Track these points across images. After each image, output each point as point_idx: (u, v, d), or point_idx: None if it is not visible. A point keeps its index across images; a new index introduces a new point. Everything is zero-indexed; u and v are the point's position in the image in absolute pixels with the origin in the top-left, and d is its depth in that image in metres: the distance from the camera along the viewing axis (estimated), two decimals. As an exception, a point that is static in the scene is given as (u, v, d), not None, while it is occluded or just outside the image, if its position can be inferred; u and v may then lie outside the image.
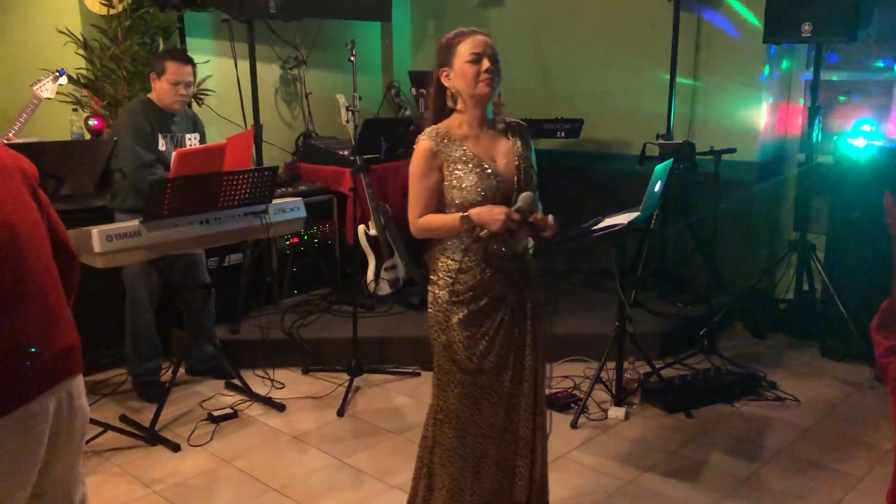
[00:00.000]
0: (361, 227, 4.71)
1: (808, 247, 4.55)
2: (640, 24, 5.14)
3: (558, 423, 3.59)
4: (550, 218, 2.35)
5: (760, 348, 4.58)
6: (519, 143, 2.40)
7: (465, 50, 2.30)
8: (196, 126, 4.05)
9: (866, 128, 4.30)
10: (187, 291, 3.95)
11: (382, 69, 6.25)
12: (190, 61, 3.86)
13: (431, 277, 2.41)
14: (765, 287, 4.93)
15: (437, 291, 2.40)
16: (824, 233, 4.54)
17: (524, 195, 2.27)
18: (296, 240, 4.91)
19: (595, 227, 3.48)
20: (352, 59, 4.53)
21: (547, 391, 3.86)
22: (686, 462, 3.35)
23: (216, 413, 3.76)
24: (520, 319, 2.43)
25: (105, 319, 4.04)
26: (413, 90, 5.78)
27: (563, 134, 5.16)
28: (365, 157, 4.52)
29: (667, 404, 3.79)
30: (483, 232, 2.25)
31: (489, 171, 2.31)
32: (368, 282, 4.75)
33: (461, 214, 2.26)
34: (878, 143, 4.19)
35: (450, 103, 2.37)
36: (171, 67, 3.75)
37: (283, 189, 4.75)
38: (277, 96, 5.58)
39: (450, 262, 2.37)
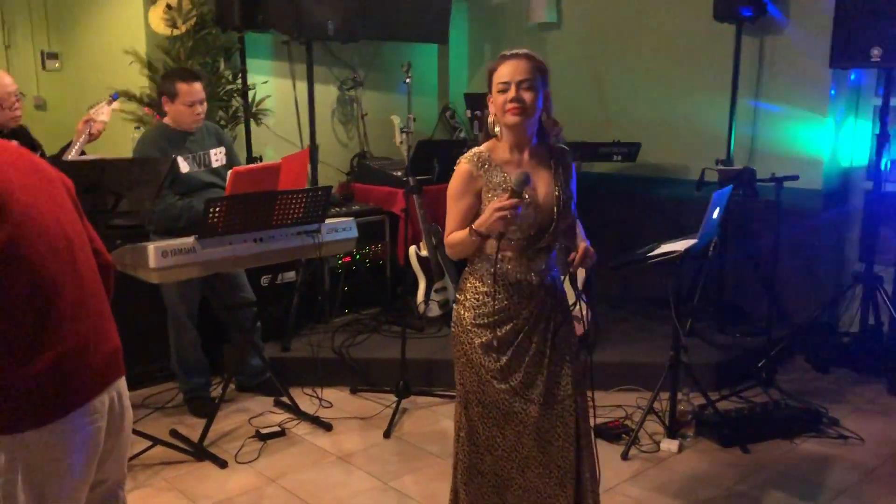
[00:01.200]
0: (413, 248, 4.71)
1: (875, 279, 4.37)
2: (700, 45, 5.05)
3: (608, 453, 3.50)
4: (582, 248, 2.36)
5: (822, 383, 4.41)
6: (560, 171, 2.38)
7: (496, 78, 2.30)
8: (221, 139, 4.02)
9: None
10: (235, 309, 3.99)
11: (438, 91, 6.27)
12: (198, 77, 3.82)
13: (458, 297, 2.44)
14: (828, 320, 4.76)
15: (462, 312, 2.41)
16: (892, 265, 4.36)
17: (516, 174, 2.24)
18: (347, 259, 4.93)
19: (651, 254, 3.41)
20: (407, 80, 4.56)
21: (598, 420, 3.81)
22: (741, 500, 3.22)
23: (264, 431, 3.77)
24: (550, 348, 2.40)
25: (156, 333, 4.10)
26: (468, 112, 5.77)
27: (619, 158, 5.08)
28: (418, 178, 4.53)
29: (722, 438, 3.67)
30: (499, 256, 2.27)
31: (528, 200, 2.27)
32: (418, 303, 4.74)
33: (469, 227, 2.28)
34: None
35: (491, 130, 2.37)
36: (183, 88, 3.72)
37: (337, 209, 4.79)
38: (334, 117, 5.64)
39: (478, 284, 2.38)
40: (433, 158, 4.95)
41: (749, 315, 4.88)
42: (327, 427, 3.86)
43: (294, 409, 3.99)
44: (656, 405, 3.75)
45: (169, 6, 4.54)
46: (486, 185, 2.31)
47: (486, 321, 2.35)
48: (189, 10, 4.58)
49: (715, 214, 3.45)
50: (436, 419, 3.99)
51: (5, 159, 1.70)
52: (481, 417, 2.40)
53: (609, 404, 4.00)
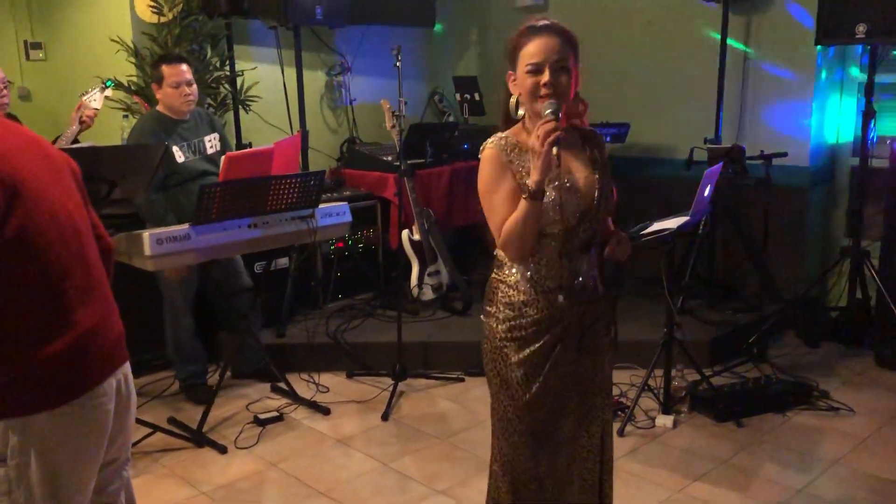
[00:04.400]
0: (405, 233, 4.72)
1: (862, 253, 4.43)
2: (688, 24, 5.07)
3: (605, 430, 3.54)
4: (617, 236, 2.11)
5: (812, 357, 4.47)
6: (597, 154, 2.13)
7: (525, 57, 2.00)
8: (214, 125, 4.02)
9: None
10: (233, 295, 4.00)
11: (427, 75, 6.26)
12: (183, 60, 3.83)
13: (488, 308, 2.15)
14: (817, 295, 4.82)
15: (493, 325, 2.13)
16: (878, 239, 4.42)
17: (545, 104, 1.97)
18: (340, 245, 4.94)
19: (643, 232, 3.44)
20: (398, 64, 4.55)
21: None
22: (737, 472, 3.28)
23: (262, 416, 3.78)
24: (585, 357, 2.17)
25: (151, 321, 4.09)
26: (457, 96, 5.78)
27: (609, 138, 5.10)
28: (409, 161, 4.53)
29: (716, 413, 3.72)
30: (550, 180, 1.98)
31: (568, 185, 2.03)
32: (412, 287, 4.75)
33: (523, 196, 1.96)
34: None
35: (513, 113, 2.10)
36: (168, 70, 3.74)
37: (329, 194, 4.78)
38: (322, 103, 5.63)
39: (512, 293, 2.09)
40: (425, 142, 4.96)
41: (740, 291, 4.93)
42: (325, 411, 3.88)
43: (291, 395, 4.00)
44: (651, 382, 3.80)
45: (155, -7, 4.51)
46: (518, 173, 2.03)
47: (522, 334, 2.09)
48: (175, -3, 4.55)
49: (707, 192, 3.48)
50: (433, 401, 4.02)
51: (17, 144, 1.71)
52: (516, 448, 2.16)
53: (604, 382, 4.04)
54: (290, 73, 5.02)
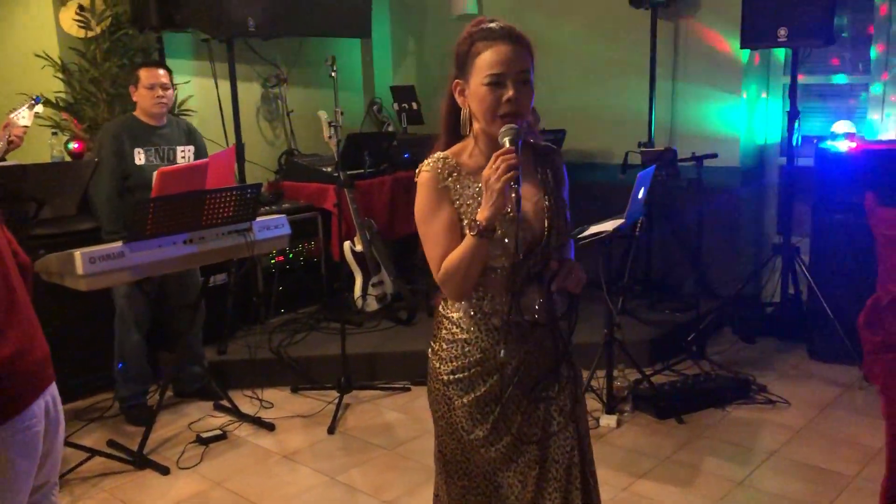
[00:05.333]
0: (347, 244, 4.69)
1: (793, 250, 4.57)
2: (619, 31, 5.18)
3: (550, 433, 3.58)
4: (566, 263, 1.84)
5: (749, 352, 4.59)
6: (549, 176, 1.89)
7: (484, 64, 1.75)
8: (192, 138, 4.05)
9: (844, 129, 4.34)
10: (173, 311, 3.93)
11: (364, 86, 6.25)
12: (161, 65, 3.94)
13: (433, 345, 1.94)
14: (751, 291, 4.95)
15: (437, 364, 1.91)
16: (808, 235, 4.57)
17: (504, 129, 1.74)
18: (281, 258, 4.89)
19: (580, 236, 3.49)
20: (332, 74, 4.54)
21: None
22: (680, 468, 3.34)
23: (205, 435, 3.71)
24: (540, 403, 1.90)
25: (89, 344, 3.99)
26: (395, 105, 5.78)
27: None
28: (349, 172, 4.52)
29: (658, 411, 3.79)
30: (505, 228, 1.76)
31: (512, 215, 1.74)
32: (356, 298, 4.73)
33: (469, 231, 1.73)
34: (856, 145, 4.23)
35: (464, 129, 1.84)
36: (143, 73, 3.83)
37: (267, 207, 4.73)
38: (259, 115, 5.58)
39: (455, 329, 1.88)
40: (363, 151, 4.95)
41: (678, 291, 5.04)
42: (270, 427, 3.83)
43: (235, 412, 3.94)
44: (594, 383, 3.85)
45: (81, 7, 4.41)
46: (457, 200, 1.81)
47: (466, 374, 1.87)
48: (103, 11, 4.46)
49: (640, 194, 3.56)
50: (379, 412, 4.00)
51: None
52: (465, 492, 1.93)
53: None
54: (225, 85, 4.97)
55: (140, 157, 3.82)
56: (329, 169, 4.95)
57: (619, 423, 3.73)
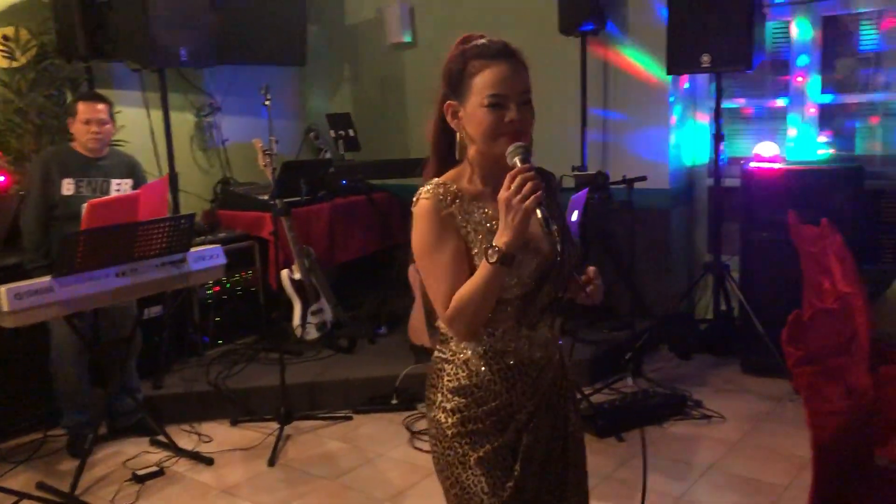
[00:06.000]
0: (285, 272, 4.66)
1: (723, 268, 4.71)
2: (550, 59, 5.28)
3: (493, 456, 3.60)
4: (593, 270, 1.71)
5: (685, 369, 4.69)
6: (551, 198, 1.72)
7: (483, 84, 1.62)
8: (133, 171, 4.03)
9: (768, 151, 4.50)
10: (106, 345, 3.84)
11: (300, 113, 6.24)
12: (101, 100, 3.89)
13: (431, 397, 1.74)
14: (686, 309, 5.07)
15: (441, 418, 1.71)
16: (737, 253, 4.71)
17: (512, 148, 1.61)
18: (217, 288, 4.81)
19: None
20: (266, 103, 4.53)
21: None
22: (620, 485, 3.38)
23: (141, 472, 3.61)
24: (560, 442, 1.77)
25: (20, 383, 3.86)
26: (332, 133, 5.79)
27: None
28: (285, 200, 4.49)
29: (597, 429, 3.83)
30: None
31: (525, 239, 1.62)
32: (295, 327, 4.68)
33: (487, 259, 1.56)
34: (779, 166, 4.39)
35: (459, 154, 1.71)
36: (81, 107, 3.81)
37: (203, 237, 4.67)
38: (193, 144, 5.51)
39: (462, 374, 1.70)
40: (299, 179, 4.94)
41: (614, 310, 5.13)
42: (208, 462, 3.74)
43: (172, 447, 3.84)
44: (535, 405, 3.88)
45: (5, 37, 4.32)
46: (463, 228, 1.65)
47: (479, 426, 1.68)
48: (28, 41, 4.37)
49: (574, 217, 3.63)
50: (321, 442, 3.96)
51: None
52: None
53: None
54: (157, 115, 4.90)
55: (69, 188, 3.75)
56: (265, 197, 4.91)
57: (560, 444, 3.76)
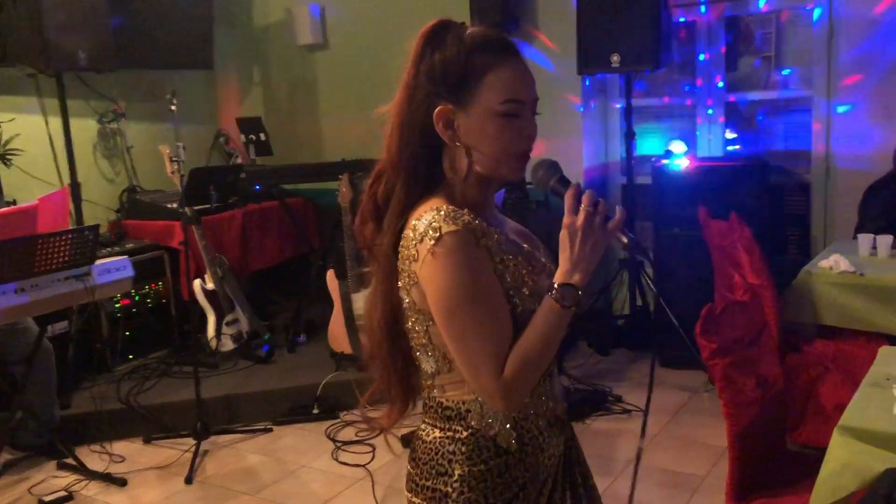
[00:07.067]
0: (197, 282, 4.51)
1: (637, 264, 4.80)
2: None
3: (417, 461, 3.57)
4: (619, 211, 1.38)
5: (604, 364, 4.76)
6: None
7: (498, 85, 1.31)
8: None
9: (678, 148, 4.61)
10: (6, 366, 3.63)
11: (209, 118, 6.07)
12: None
13: (441, 487, 1.39)
14: (603, 305, 5.15)
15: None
16: (651, 249, 4.81)
17: (539, 172, 1.36)
18: (126, 301, 4.62)
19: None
20: (172, 108, 4.38)
21: (402, 430, 3.86)
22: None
23: (47, 498, 3.42)
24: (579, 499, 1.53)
25: None
26: (242, 137, 5.65)
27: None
28: (195, 207, 4.35)
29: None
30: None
31: (542, 260, 1.45)
32: (209, 339, 4.54)
33: (556, 299, 1.29)
34: (689, 163, 4.51)
35: (449, 169, 1.37)
36: None
37: (109, 249, 4.47)
38: (96, 152, 5.27)
39: (487, 452, 1.37)
40: (209, 186, 4.80)
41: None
42: (121, 483, 3.58)
43: (81, 469, 3.66)
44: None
45: None
46: (499, 266, 1.34)
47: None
48: (-90, 45, 4.10)
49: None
50: (240, 456, 3.84)
51: None
52: None
53: (415, 412, 4.07)
54: (56, 122, 4.67)
55: None
56: (174, 205, 4.75)
57: (484, 445, 3.75)
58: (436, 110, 1.34)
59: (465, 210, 1.32)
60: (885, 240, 3.59)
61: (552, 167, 1.35)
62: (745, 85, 4.94)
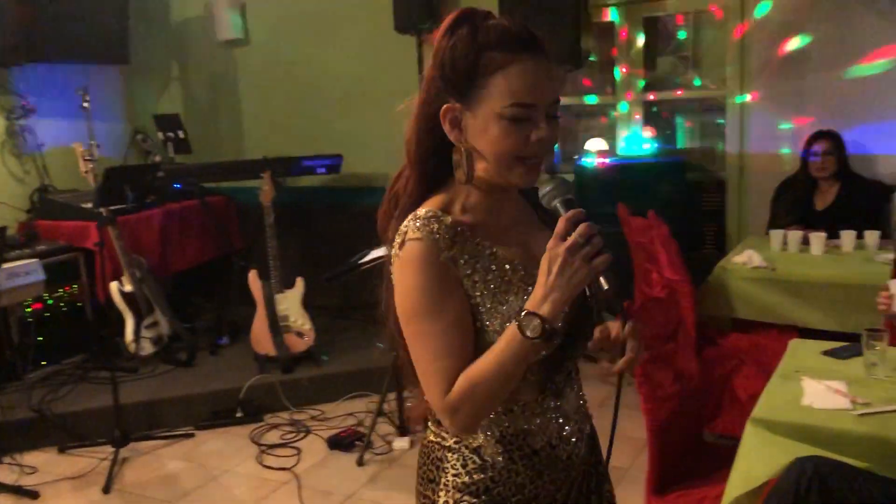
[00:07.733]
0: (114, 284, 4.36)
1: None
2: (387, 57, 5.26)
3: (344, 463, 3.55)
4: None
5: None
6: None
7: (506, 87, 1.21)
8: None
9: (597, 146, 4.70)
10: None
11: (125, 115, 5.88)
12: None
13: (429, 495, 1.36)
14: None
15: None
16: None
17: (548, 188, 1.25)
18: (39, 305, 4.43)
19: (362, 261, 3.49)
20: (85, 105, 4.23)
21: (333, 432, 3.83)
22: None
23: (-47, 514, 3.28)
24: None
25: None
26: (160, 134, 5.49)
27: (324, 170, 5.14)
28: (111, 207, 4.21)
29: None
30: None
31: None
32: (128, 342, 4.40)
33: (520, 328, 1.16)
34: (607, 160, 4.59)
35: (464, 177, 1.27)
36: None
37: (19, 251, 4.28)
38: (4, 150, 5.04)
39: (473, 464, 1.32)
40: (124, 185, 4.65)
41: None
42: (33, 495, 3.43)
43: (-10, 483, 3.51)
44: (386, 406, 3.84)
45: None
46: (468, 275, 1.25)
47: None
48: None
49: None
50: (161, 463, 3.74)
51: None
52: None
53: (341, 413, 4.04)
54: (-41, 119, 4.46)
55: None
56: (90, 205, 4.58)
57: (412, 444, 3.75)
58: (442, 108, 1.27)
59: (450, 217, 1.26)
60: (795, 235, 3.74)
61: (563, 186, 1.25)
62: (663, 84, 5.06)
